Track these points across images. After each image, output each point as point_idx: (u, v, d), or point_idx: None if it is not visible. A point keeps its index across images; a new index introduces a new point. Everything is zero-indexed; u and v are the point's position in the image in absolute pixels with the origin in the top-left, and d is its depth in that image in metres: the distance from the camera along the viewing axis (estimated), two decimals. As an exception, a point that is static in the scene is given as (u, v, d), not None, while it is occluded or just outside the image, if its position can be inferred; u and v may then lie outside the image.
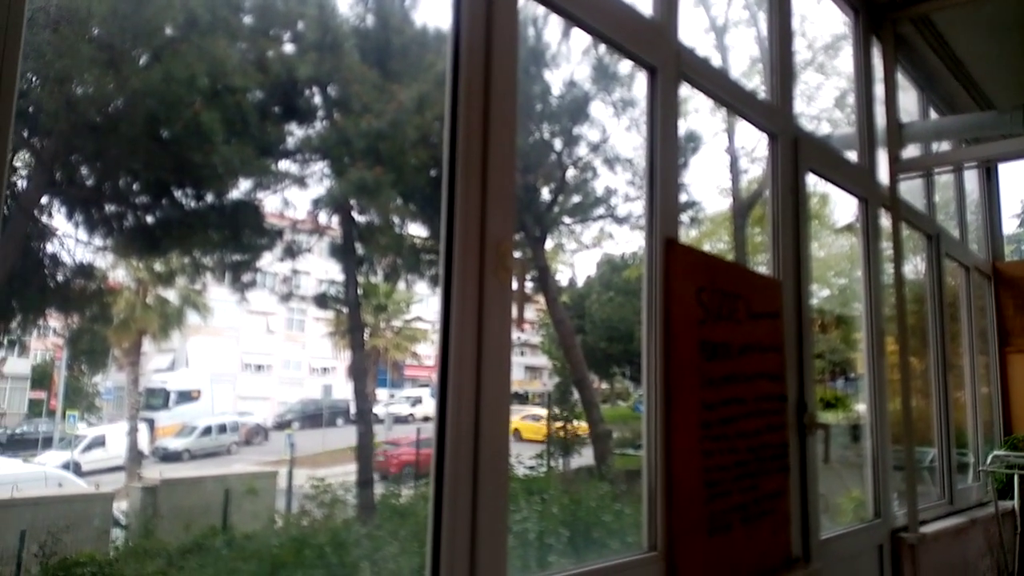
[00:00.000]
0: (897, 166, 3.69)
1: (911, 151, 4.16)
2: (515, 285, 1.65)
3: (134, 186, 8.04)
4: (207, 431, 13.59)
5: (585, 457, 10.27)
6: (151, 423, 13.42)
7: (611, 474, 9.27)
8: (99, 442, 12.63)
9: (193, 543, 7.73)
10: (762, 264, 2.86)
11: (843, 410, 9.18)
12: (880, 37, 3.70)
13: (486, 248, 1.60)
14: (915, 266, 4.54)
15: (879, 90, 3.71)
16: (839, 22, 3.76)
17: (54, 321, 10.52)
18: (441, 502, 1.50)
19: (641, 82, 10.03)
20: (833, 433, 2.80)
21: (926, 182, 4.39)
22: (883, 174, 3.68)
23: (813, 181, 3.04)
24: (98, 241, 8.44)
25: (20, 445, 13.15)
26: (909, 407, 3.37)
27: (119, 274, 10.98)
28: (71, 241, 8.12)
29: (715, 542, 2.11)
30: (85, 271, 8.47)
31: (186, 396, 14.61)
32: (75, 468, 11.60)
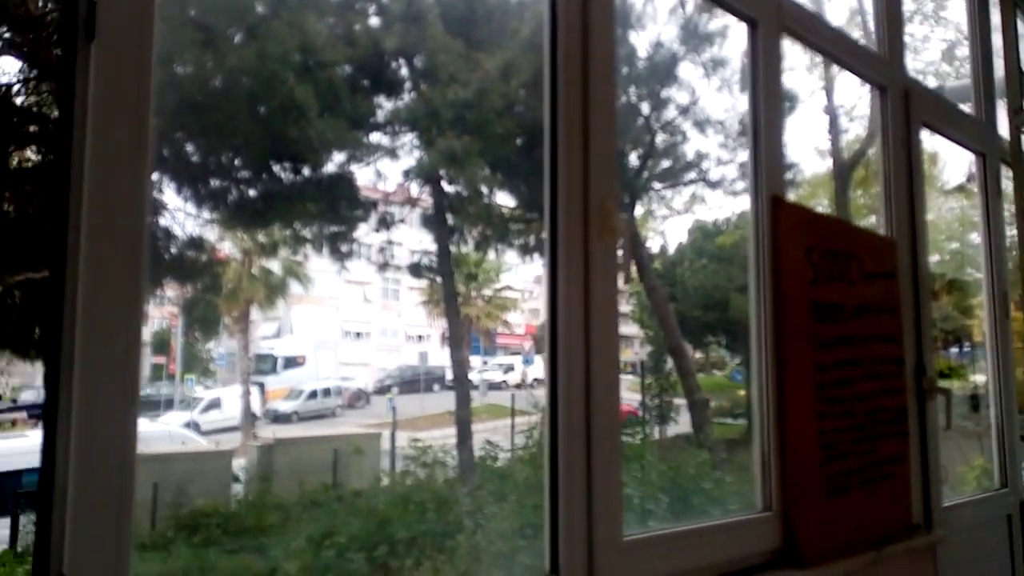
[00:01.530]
0: (1019, 118, 3.40)
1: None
2: (619, 245, 1.63)
3: (236, 161, 8.40)
4: (313, 395, 14.27)
5: (681, 425, 10.15)
6: (261, 387, 14.20)
7: (709, 442, 9.14)
8: (215, 404, 13.49)
9: (307, 498, 8.18)
10: (870, 226, 2.71)
11: (958, 379, 8.66)
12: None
13: (590, 209, 1.58)
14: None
15: (996, 40, 3.41)
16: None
17: (170, 291, 11.23)
18: (556, 460, 1.53)
19: (733, 40, 9.62)
20: (953, 400, 2.64)
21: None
22: (1003, 128, 3.41)
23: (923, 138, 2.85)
24: (206, 215, 8.92)
25: (145, 406, 14.18)
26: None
27: (226, 246, 11.57)
28: (181, 215, 8.61)
29: (832, 504, 2.05)
30: (196, 243, 8.97)
31: (292, 361, 15.35)
32: (195, 428, 12.45)
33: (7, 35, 7.56)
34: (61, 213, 1.05)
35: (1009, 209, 3.35)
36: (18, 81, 7.87)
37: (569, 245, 1.56)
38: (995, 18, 3.43)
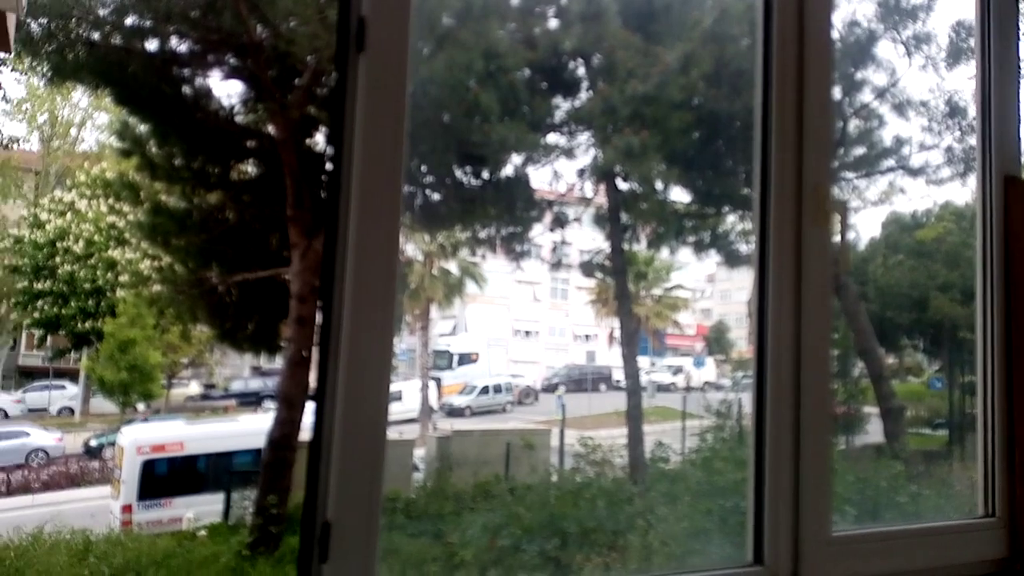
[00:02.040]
0: None
1: None
2: (835, 230, 1.59)
3: (422, 167, 8.93)
4: (485, 390, 14.83)
5: (872, 435, 9.44)
6: (438, 381, 14.96)
7: (905, 453, 8.42)
8: (397, 397, 14.37)
9: (480, 488, 8.53)
10: None
11: None
12: None
13: (803, 193, 1.57)
14: None
15: None
16: None
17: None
18: (762, 450, 1.53)
19: (939, 13, 8.77)
20: None
21: None
22: None
23: None
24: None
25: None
26: None
27: (410, 248, 12.32)
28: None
29: (1070, 518, 1.86)
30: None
31: (466, 358, 16.03)
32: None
33: (232, 61, 8.58)
34: (333, 206, 1.22)
35: None
36: (241, 102, 8.91)
37: (781, 231, 1.56)
38: None
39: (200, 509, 10.18)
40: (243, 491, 9.81)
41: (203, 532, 9.25)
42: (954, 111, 8.36)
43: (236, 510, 9.79)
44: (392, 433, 11.78)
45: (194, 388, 19.11)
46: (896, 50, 8.68)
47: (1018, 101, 1.94)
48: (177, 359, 16.85)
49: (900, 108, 8.72)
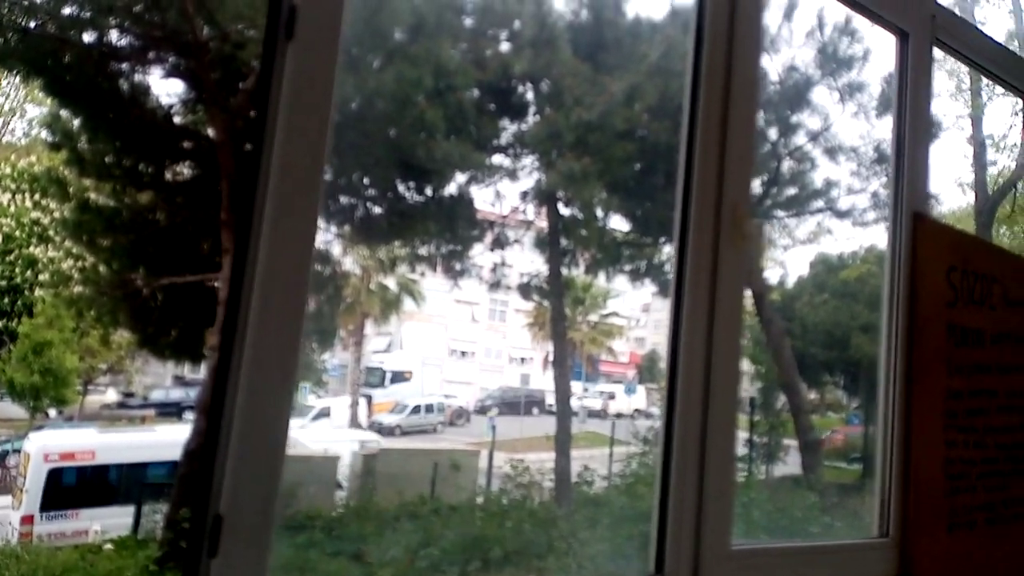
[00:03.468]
0: None
1: None
2: (753, 252, 1.65)
3: (365, 180, 8.85)
4: (416, 410, 14.66)
5: (790, 466, 9.73)
6: (369, 399, 14.72)
7: (820, 485, 8.70)
8: (326, 413, 14.09)
9: (405, 508, 8.40)
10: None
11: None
12: None
13: (722, 213, 1.61)
14: None
15: None
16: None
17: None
18: (669, 460, 1.55)
19: (874, 64, 9.24)
20: None
21: None
22: None
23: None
24: (333, 229, 9.42)
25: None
26: None
27: (347, 261, 12.15)
28: (312, 229, 9.12)
29: (955, 538, 1.95)
30: (322, 257, 9.49)
31: (400, 376, 15.85)
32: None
33: (174, 59, 8.36)
34: (248, 200, 1.19)
35: None
36: (181, 102, 8.67)
37: (699, 248, 1.60)
38: None
39: (108, 522, 9.70)
40: (155, 504, 9.40)
41: (109, 545, 8.80)
42: (881, 158, 8.79)
43: (147, 524, 9.38)
44: (317, 449, 11.55)
45: (111, 396, 18.25)
46: (831, 96, 9.12)
47: (928, 143, 2.07)
48: (95, 364, 16.12)
49: (831, 152, 9.14)
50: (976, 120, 10.37)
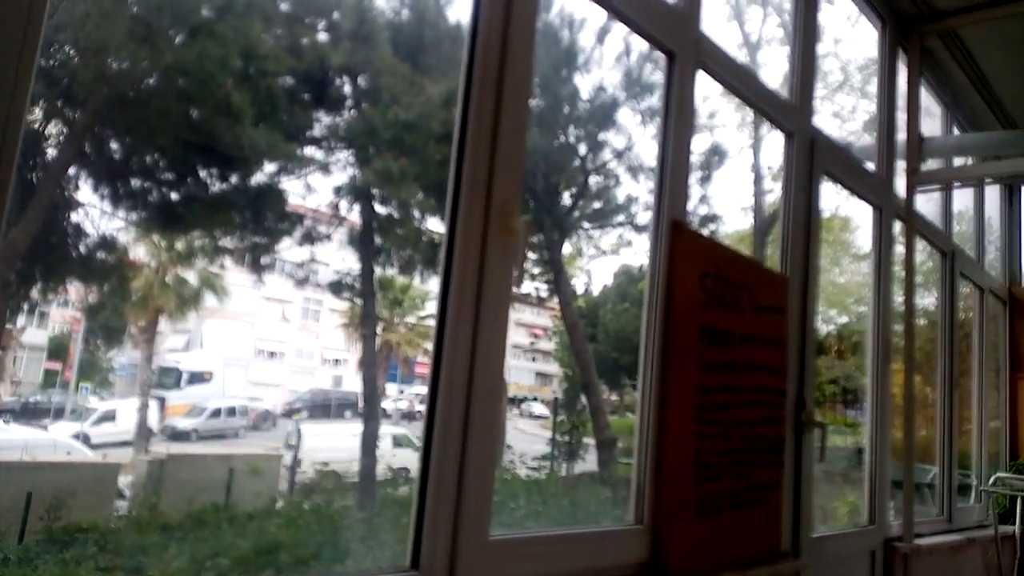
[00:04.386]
0: (915, 178, 3.68)
1: (931, 167, 4.14)
2: (519, 247, 1.68)
3: (161, 162, 8.15)
4: (216, 413, 13.72)
5: (589, 463, 10.26)
6: (162, 401, 13.55)
7: (613, 480, 9.26)
8: (110, 416, 12.78)
9: (194, 518, 7.82)
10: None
11: (855, 436, 9.12)
12: (907, 49, 3.71)
13: (491, 208, 1.63)
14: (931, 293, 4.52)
15: (903, 102, 3.71)
16: (872, 43, 3.75)
17: (74, 293, 10.69)
18: (429, 452, 1.53)
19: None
20: (841, 456, 2.80)
21: (944, 199, 4.36)
22: (900, 186, 3.68)
23: (835, 205, 3.06)
24: (122, 215, 8.57)
25: (33, 414, 13.35)
26: (912, 420, 3.35)
27: (140, 251, 11.13)
28: (95, 212, 8.25)
29: (703, 524, 2.12)
30: (107, 244, 8.59)
31: (198, 377, 14.76)
32: (85, 439, 11.75)
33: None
34: None
35: (901, 274, 3.60)
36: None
37: (467, 242, 1.60)
38: (903, 84, 3.73)
39: None
40: None
41: None
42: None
43: None
44: (95, 456, 10.42)
45: None
46: (634, 118, 9.80)
47: (688, 155, 2.24)
48: None
49: (633, 170, 9.82)
50: (756, 150, 11.64)
